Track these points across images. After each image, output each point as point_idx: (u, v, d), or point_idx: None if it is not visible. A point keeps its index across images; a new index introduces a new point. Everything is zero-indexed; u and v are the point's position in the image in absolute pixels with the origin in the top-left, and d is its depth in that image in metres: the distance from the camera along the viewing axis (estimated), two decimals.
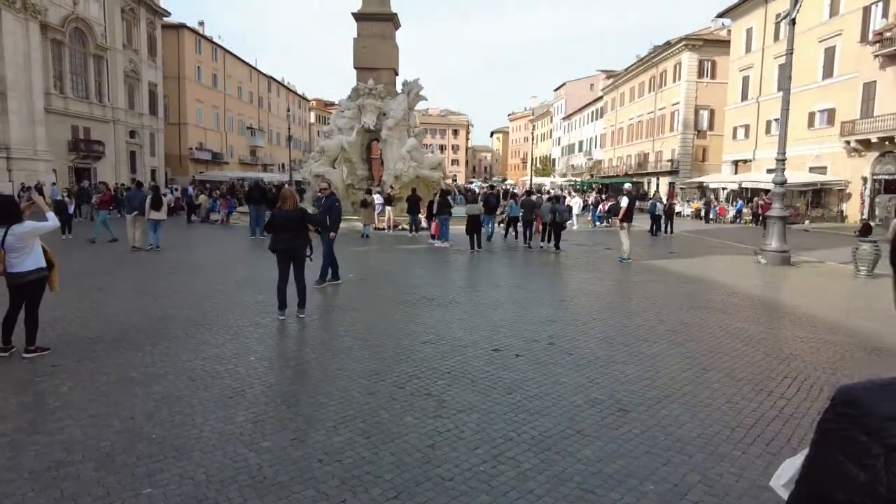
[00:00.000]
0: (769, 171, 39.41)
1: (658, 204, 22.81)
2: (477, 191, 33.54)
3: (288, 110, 66.91)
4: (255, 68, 71.89)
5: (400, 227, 21.19)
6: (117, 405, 4.32)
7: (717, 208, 34.60)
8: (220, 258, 13.20)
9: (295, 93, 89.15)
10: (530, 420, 4.16)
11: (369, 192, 20.56)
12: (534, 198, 20.31)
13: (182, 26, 54.75)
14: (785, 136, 13.79)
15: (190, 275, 10.59)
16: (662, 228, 22.84)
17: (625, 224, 14.10)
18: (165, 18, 51.04)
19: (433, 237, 17.24)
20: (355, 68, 28.34)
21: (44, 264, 5.48)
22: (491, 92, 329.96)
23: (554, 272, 11.89)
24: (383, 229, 21.07)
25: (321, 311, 7.78)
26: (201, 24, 62.67)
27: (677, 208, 21.95)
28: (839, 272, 13.06)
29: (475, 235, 15.74)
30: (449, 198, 17.97)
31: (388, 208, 20.87)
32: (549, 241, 16.67)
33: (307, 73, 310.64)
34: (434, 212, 17.06)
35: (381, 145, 27.21)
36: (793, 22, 13.46)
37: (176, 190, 33.02)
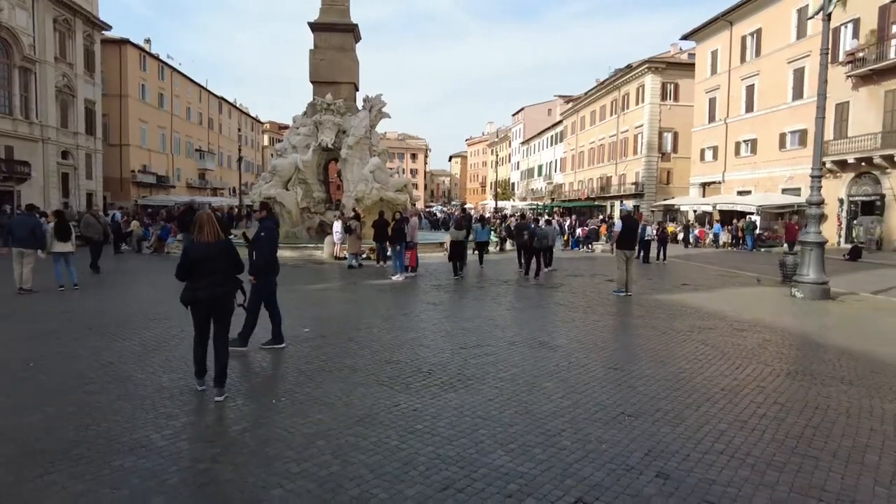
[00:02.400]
0: (740, 192, 38.81)
1: (648, 228, 20.80)
2: (451, 213, 31.31)
3: (239, 130, 63.63)
4: (205, 88, 68.44)
5: (364, 256, 18.44)
6: None
7: (696, 232, 33.11)
8: (134, 304, 10.10)
9: (247, 114, 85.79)
10: None
11: (357, 217, 17.84)
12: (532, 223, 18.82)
13: (125, 41, 51.10)
14: (820, 149, 11.85)
15: (79, 335, 7.51)
16: (655, 255, 20.85)
17: (618, 251, 12.01)
18: (106, 32, 47.19)
19: (408, 268, 14.66)
20: (312, 82, 25.81)
21: None
22: (449, 117, 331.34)
23: (571, 318, 9.28)
24: (344, 258, 18.27)
25: (259, 405, 4.94)
26: (147, 41, 59.21)
27: (650, 231, 20.03)
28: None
29: (458, 263, 14.48)
30: (414, 222, 15.53)
31: (349, 236, 18.04)
32: (535, 274, 15.18)
33: (261, 96, 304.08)
34: (390, 239, 14.94)
35: (340, 165, 24.54)
36: (828, 17, 11.67)
37: (106, 215, 29.22)
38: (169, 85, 59.28)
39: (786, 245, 26.17)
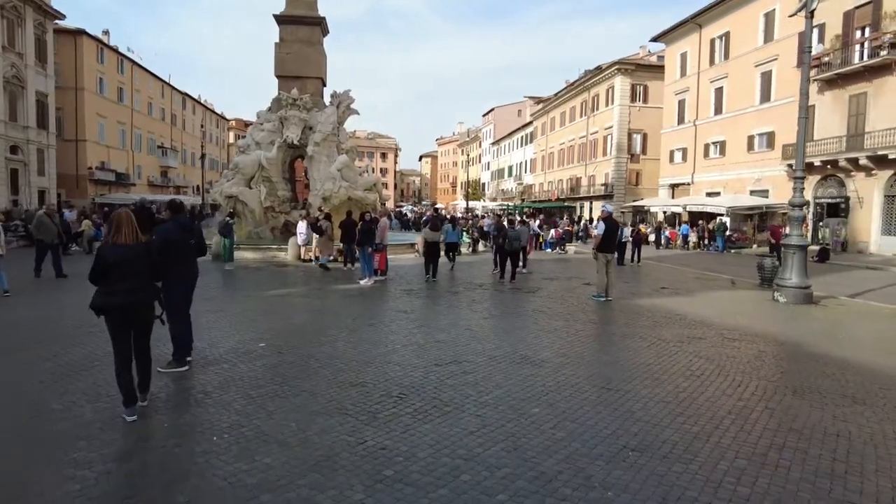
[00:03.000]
0: (709, 194, 39.06)
1: (625, 230, 20.43)
2: (421, 214, 30.62)
3: (202, 126, 61.62)
4: (167, 83, 66.14)
5: (331, 259, 17.59)
6: None
7: (667, 233, 33.11)
8: (71, 313, 9.07)
9: (213, 111, 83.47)
10: None
11: (328, 216, 16.87)
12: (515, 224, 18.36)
13: (80, 32, 48.72)
14: (803, 149, 11.52)
15: None
16: (629, 256, 20.52)
17: (599, 254, 11.42)
18: (59, 22, 44.91)
19: (377, 272, 13.88)
20: (277, 76, 24.79)
21: None
22: (419, 117, 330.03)
23: (553, 326, 8.57)
24: (309, 261, 17.37)
25: (196, 444, 4.09)
26: (106, 33, 56.88)
27: (626, 232, 19.75)
28: (885, 313, 10.72)
29: (432, 265, 13.99)
30: (384, 223, 14.76)
31: (315, 237, 17.12)
32: (511, 277, 14.53)
33: (228, 93, 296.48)
34: (358, 241, 14.05)
35: (306, 163, 23.59)
36: (811, 14, 11.34)
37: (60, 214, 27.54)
38: (129, 79, 57.12)
39: (765, 248, 26.12)
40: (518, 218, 21.01)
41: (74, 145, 48.22)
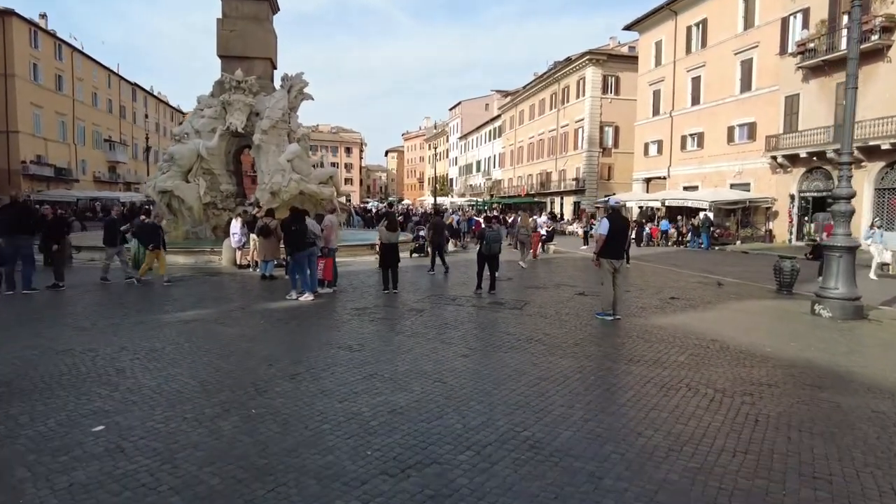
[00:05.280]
0: (686, 188, 37.37)
1: None
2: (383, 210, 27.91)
3: (146, 116, 57.50)
4: (115, 73, 61.73)
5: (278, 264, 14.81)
6: None
7: (648, 229, 31.23)
8: None
9: (167, 103, 78.72)
10: None
11: (270, 213, 13.90)
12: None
13: (10, 13, 44.49)
14: (851, 126, 9.32)
15: None
16: None
17: (603, 261, 9.02)
18: None
19: (324, 283, 11.21)
20: (220, 56, 21.98)
21: None
22: (385, 112, 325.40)
23: (560, 370, 5.83)
24: (246, 267, 14.52)
25: None
26: (43, 16, 52.63)
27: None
28: None
29: (390, 271, 11.53)
30: (329, 221, 11.97)
31: (253, 237, 14.14)
32: (490, 287, 11.95)
33: (186, 87, 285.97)
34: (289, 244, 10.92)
35: (253, 153, 20.76)
36: None
37: None
38: (69, 66, 52.93)
39: (752, 244, 24.31)
40: (492, 214, 18.58)
41: (5, 137, 44.36)
